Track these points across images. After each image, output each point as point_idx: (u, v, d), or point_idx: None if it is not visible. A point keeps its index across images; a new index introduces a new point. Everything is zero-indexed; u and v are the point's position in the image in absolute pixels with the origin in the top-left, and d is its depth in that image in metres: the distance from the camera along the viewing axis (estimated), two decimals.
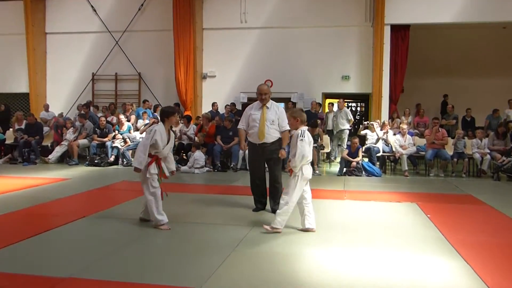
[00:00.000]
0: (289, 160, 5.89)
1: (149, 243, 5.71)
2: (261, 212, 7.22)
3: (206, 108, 17.12)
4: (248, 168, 8.56)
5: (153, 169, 6.07)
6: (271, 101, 7.18)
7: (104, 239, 5.83)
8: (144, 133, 12.78)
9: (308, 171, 5.90)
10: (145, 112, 15.24)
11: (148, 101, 16.78)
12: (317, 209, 6.68)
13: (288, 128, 6.90)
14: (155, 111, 15.95)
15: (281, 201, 5.80)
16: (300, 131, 5.88)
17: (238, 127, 7.35)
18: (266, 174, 7.33)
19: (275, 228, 5.96)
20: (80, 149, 14.12)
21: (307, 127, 6.00)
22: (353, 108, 21.52)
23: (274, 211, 6.73)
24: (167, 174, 6.21)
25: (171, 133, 6.19)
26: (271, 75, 17.30)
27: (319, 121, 13.99)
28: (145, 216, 6.36)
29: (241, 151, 12.47)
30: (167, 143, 6.20)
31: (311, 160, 5.89)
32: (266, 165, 7.26)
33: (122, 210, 7.26)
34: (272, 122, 6.96)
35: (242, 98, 17.65)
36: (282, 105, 15.85)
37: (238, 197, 8.07)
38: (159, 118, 6.87)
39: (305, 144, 5.78)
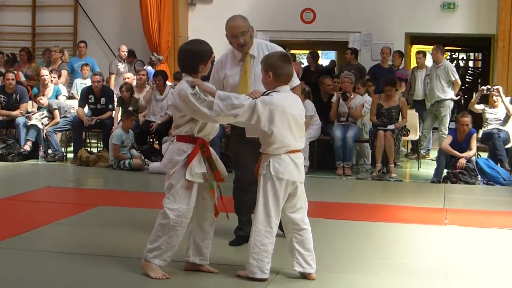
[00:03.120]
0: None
1: None
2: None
3: None
4: (234, 167, 6.17)
5: (198, 165, 4.46)
6: (256, 42, 5.57)
7: None
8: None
9: (283, 166, 4.47)
10: (86, 64, 12.23)
11: (130, 51, 13.45)
12: (393, 241, 5.92)
13: (298, 81, 5.60)
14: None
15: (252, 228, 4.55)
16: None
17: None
18: None
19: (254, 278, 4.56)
20: None
21: (288, 88, 4.63)
22: (461, 63, 19.31)
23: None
24: (224, 173, 4.67)
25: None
26: (314, 0, 14.09)
27: (400, 84, 11.34)
28: (196, 257, 4.66)
29: None
30: None
31: (290, 147, 4.49)
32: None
33: (45, 237, 5.90)
34: None
35: None
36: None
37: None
38: (182, 68, 4.75)
39: (264, 113, 4.36)
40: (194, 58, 4.49)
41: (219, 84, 5.50)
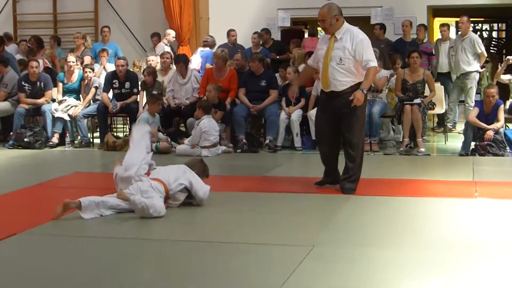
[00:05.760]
0: None
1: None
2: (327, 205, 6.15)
3: (217, 40, 13.28)
4: (316, 128, 7.48)
5: None
6: (346, 27, 6.53)
7: (53, 275, 4.28)
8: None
9: None
10: (104, 49, 11.96)
11: (158, 35, 13.35)
12: (423, 216, 5.80)
13: (373, 64, 6.34)
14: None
15: None
16: None
17: (308, 62, 7.26)
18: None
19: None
20: None
21: None
22: (485, 34, 18.78)
23: (344, 190, 6.46)
24: None
25: None
26: None
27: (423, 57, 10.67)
28: None
29: (283, 116, 9.99)
30: None
31: None
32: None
33: (77, 223, 5.75)
34: (340, 61, 6.36)
35: (281, 21, 14.14)
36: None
37: (280, 195, 6.81)
38: None
39: None
40: None
41: (317, 53, 6.73)
